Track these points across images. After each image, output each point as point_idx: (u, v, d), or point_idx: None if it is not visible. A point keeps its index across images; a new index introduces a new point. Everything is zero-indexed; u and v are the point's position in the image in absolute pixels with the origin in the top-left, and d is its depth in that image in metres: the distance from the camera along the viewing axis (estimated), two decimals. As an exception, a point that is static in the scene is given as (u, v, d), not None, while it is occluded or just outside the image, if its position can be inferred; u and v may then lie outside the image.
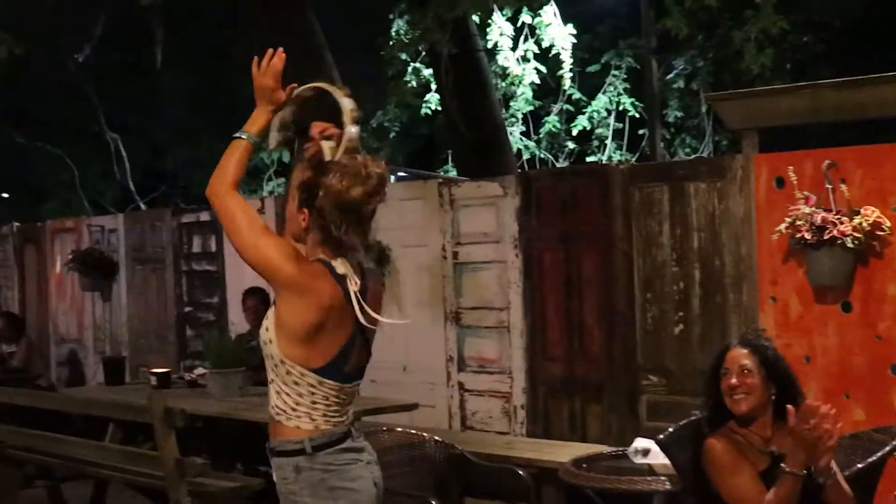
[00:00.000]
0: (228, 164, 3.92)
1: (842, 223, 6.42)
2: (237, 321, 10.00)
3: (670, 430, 5.00)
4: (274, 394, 3.97)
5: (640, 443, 5.92)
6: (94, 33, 13.72)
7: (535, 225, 8.18)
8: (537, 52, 13.71)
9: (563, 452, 7.10)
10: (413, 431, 6.38)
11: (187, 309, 11.08)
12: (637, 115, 15.26)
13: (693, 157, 15.10)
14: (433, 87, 13.71)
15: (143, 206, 21.65)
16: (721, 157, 9.12)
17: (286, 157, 19.81)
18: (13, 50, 10.64)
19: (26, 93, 21.59)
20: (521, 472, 6.21)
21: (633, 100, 15.19)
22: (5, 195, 26.93)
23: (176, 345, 11.14)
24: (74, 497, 8.82)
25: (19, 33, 10.67)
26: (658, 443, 5.07)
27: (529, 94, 14.72)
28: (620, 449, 6.38)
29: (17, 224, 14.59)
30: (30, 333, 12.21)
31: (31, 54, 11.61)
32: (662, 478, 5.53)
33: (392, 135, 18.05)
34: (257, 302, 9.36)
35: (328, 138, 3.96)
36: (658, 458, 5.46)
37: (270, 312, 3.96)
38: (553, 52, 13.41)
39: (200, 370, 9.22)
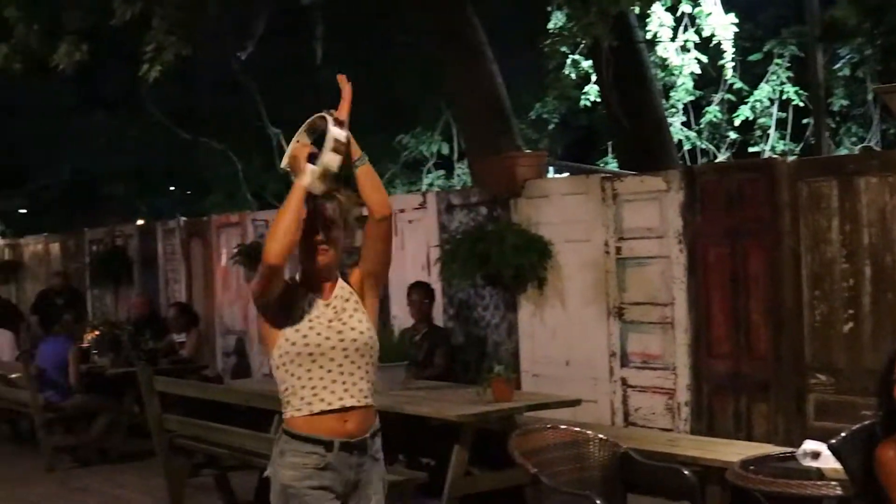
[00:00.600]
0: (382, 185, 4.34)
1: None
2: (399, 315, 10.07)
3: (843, 434, 4.89)
4: (372, 383, 4.39)
5: (810, 445, 5.78)
6: (256, 32, 13.97)
7: (699, 220, 8.07)
8: (698, 41, 13.54)
9: (727, 451, 7.01)
10: (577, 429, 6.35)
11: (349, 302, 11.17)
12: (801, 105, 14.96)
13: (860, 146, 14.76)
14: (592, 78, 13.64)
15: (305, 199, 21.97)
16: (893, 151, 8.87)
17: (445, 150, 19.95)
18: (180, 52, 10.86)
19: (192, 91, 22.12)
20: (686, 472, 6.12)
21: (796, 88, 14.91)
22: (171, 188, 27.66)
23: (339, 337, 11.25)
24: (241, 486, 8.99)
25: (186, 34, 10.89)
26: (830, 447, 4.97)
27: (690, 84, 14.56)
28: (789, 451, 6.25)
29: (184, 218, 14.95)
30: (199, 324, 12.46)
31: (196, 55, 11.85)
32: (833, 483, 5.40)
33: (551, 126, 18.02)
34: (421, 297, 9.44)
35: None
36: (829, 461, 5.34)
37: (363, 316, 4.33)
38: (714, 41, 13.23)
39: (364, 363, 9.28)
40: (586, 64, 13.32)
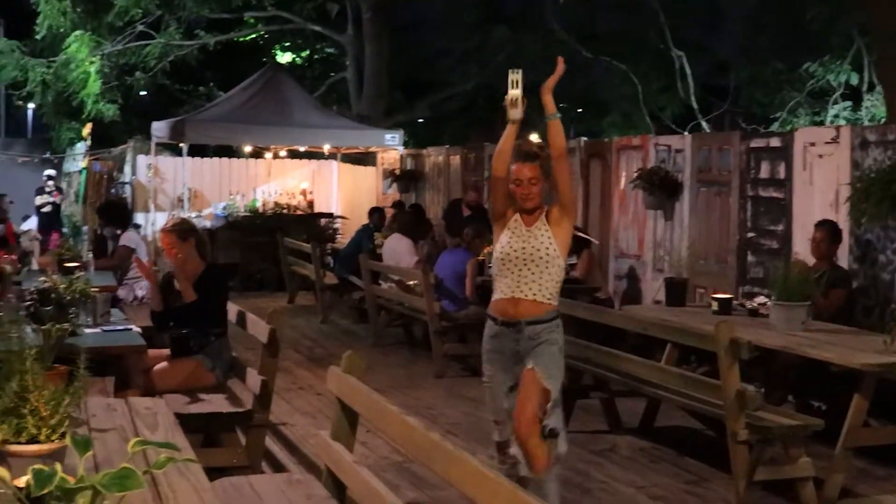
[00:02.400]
0: None
1: None
2: (802, 252, 9.73)
3: None
4: (544, 286, 6.00)
5: None
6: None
7: None
8: None
9: None
10: None
11: (750, 235, 10.89)
12: None
13: None
14: None
15: (703, 124, 21.64)
16: None
17: (854, 80, 19.14)
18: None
19: (594, 10, 22.12)
20: None
21: None
22: (561, 105, 27.98)
23: (736, 270, 11.01)
24: (627, 411, 8.99)
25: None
26: None
27: None
28: None
29: (585, 139, 14.95)
30: (592, 246, 12.43)
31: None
32: None
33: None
34: (825, 236, 9.07)
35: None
36: None
37: (548, 241, 6.00)
38: None
39: (762, 299, 9.04)
40: None
